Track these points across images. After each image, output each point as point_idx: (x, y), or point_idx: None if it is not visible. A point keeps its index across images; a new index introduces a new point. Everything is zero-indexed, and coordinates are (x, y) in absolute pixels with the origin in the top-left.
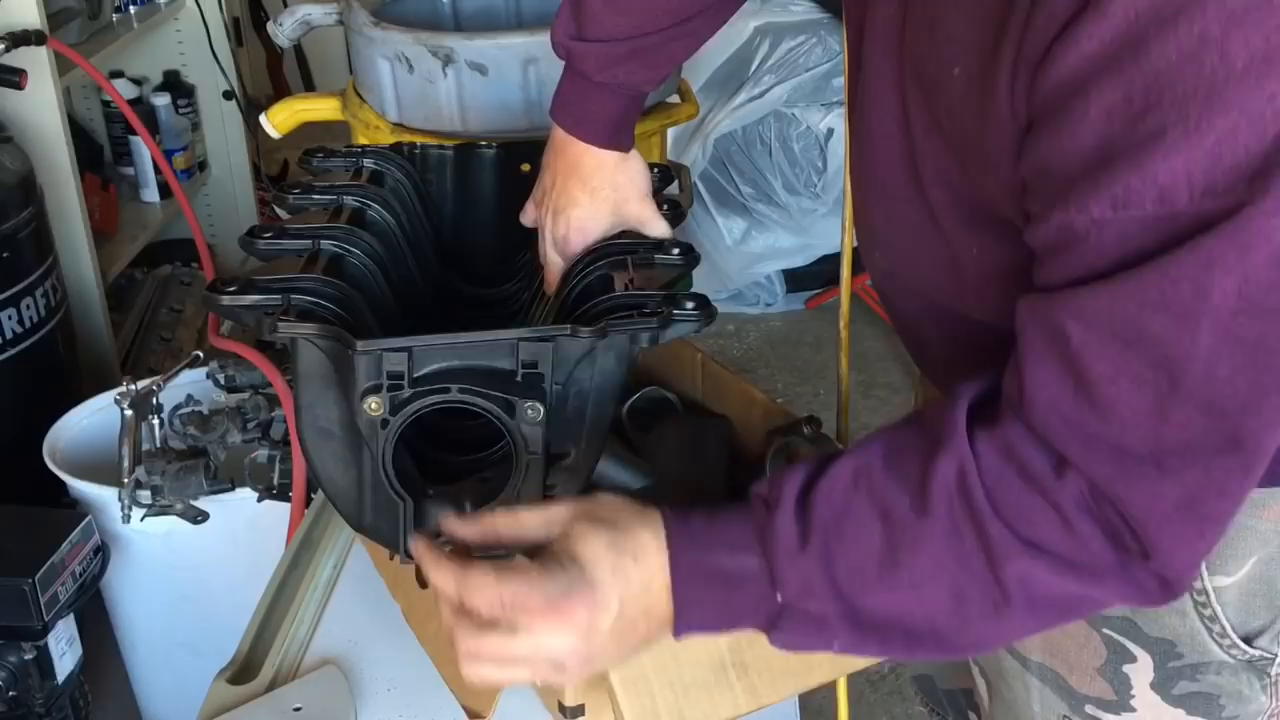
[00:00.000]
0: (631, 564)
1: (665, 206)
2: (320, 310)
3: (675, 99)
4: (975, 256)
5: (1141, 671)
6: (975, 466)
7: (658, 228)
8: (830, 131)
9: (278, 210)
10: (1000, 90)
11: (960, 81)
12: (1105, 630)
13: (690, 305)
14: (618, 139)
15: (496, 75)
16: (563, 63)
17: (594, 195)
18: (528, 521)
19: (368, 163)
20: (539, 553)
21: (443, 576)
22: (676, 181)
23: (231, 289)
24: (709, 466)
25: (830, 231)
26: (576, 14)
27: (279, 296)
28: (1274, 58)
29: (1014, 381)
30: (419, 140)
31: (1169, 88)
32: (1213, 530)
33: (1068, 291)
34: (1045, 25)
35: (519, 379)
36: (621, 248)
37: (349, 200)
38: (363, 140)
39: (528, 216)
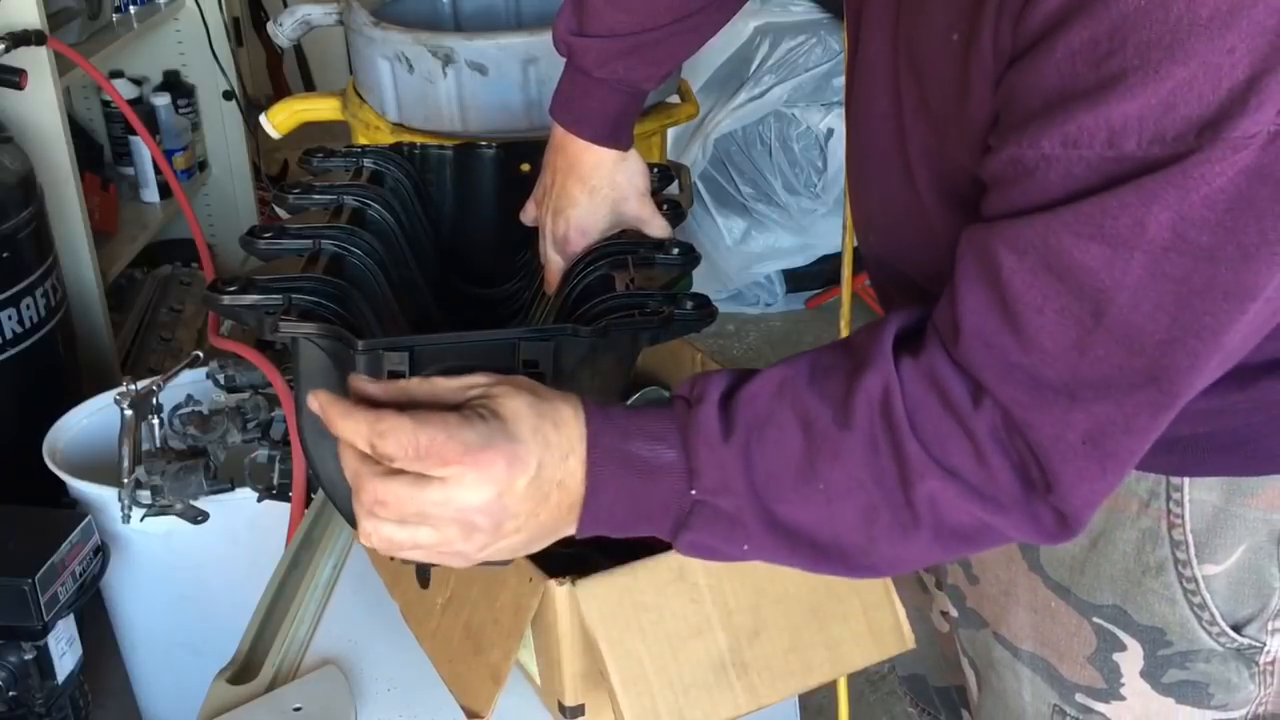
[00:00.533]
0: (552, 429)
1: (665, 206)
2: (321, 310)
3: (675, 99)
4: (952, 241)
5: (1131, 660)
6: (899, 386)
7: (657, 227)
8: (830, 131)
9: (278, 210)
10: (984, 45)
11: (954, 47)
12: (1095, 619)
13: (691, 305)
14: (617, 137)
15: (496, 75)
16: (563, 62)
17: (593, 195)
18: (443, 385)
19: (368, 163)
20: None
21: (352, 423)
22: (676, 181)
23: (232, 289)
24: None
25: (830, 231)
26: (578, 9)
27: (280, 296)
28: (1238, 10)
29: (945, 308)
30: (419, 140)
31: (1134, 32)
32: (1115, 469)
33: (1006, 221)
34: None
35: None
36: (622, 247)
37: (349, 200)
38: (363, 140)
39: (528, 215)
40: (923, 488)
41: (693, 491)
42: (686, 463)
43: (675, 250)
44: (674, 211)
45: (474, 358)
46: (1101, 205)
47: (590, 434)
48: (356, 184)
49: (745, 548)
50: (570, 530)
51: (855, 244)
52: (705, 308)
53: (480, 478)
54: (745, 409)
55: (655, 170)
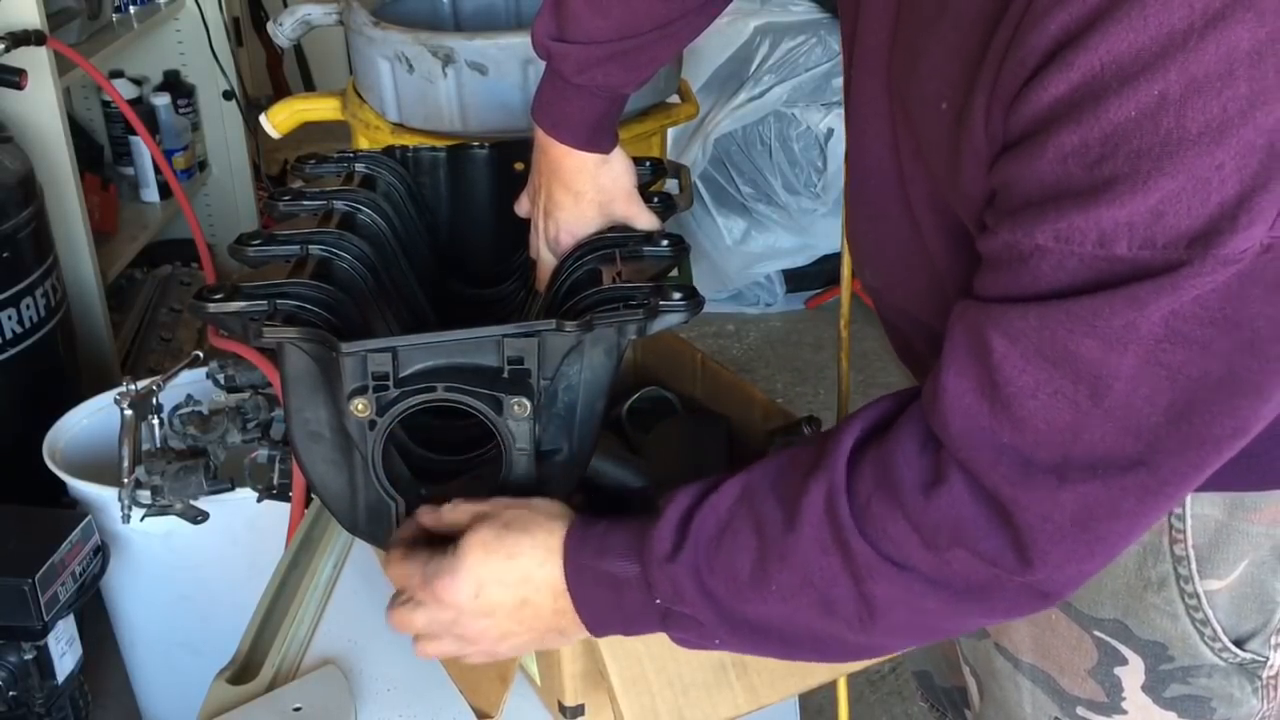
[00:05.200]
0: (504, 560)
1: (656, 200)
2: (306, 314)
3: (675, 99)
4: (958, 280)
5: (1133, 674)
6: (845, 488)
7: (646, 221)
8: (830, 131)
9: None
10: (976, 124)
11: (943, 116)
12: (1096, 632)
13: (677, 296)
14: (597, 141)
15: (496, 75)
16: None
17: (579, 199)
18: (446, 517)
19: (359, 167)
20: None
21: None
22: (676, 181)
23: (218, 296)
24: (709, 467)
25: (830, 231)
26: (558, 14)
27: (265, 302)
28: (1228, 128)
29: (932, 384)
30: (419, 140)
31: (1125, 141)
32: (1102, 551)
33: (999, 307)
34: (1017, 70)
35: (505, 375)
36: (610, 241)
37: (339, 204)
38: (363, 140)
39: (522, 207)
40: (876, 586)
41: (656, 601)
42: (644, 577)
43: (664, 242)
44: (664, 204)
45: (459, 356)
46: (1094, 307)
47: (566, 555)
48: (347, 189)
49: (717, 642)
50: (583, 633)
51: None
52: (692, 297)
53: (433, 601)
54: (704, 521)
55: (647, 164)
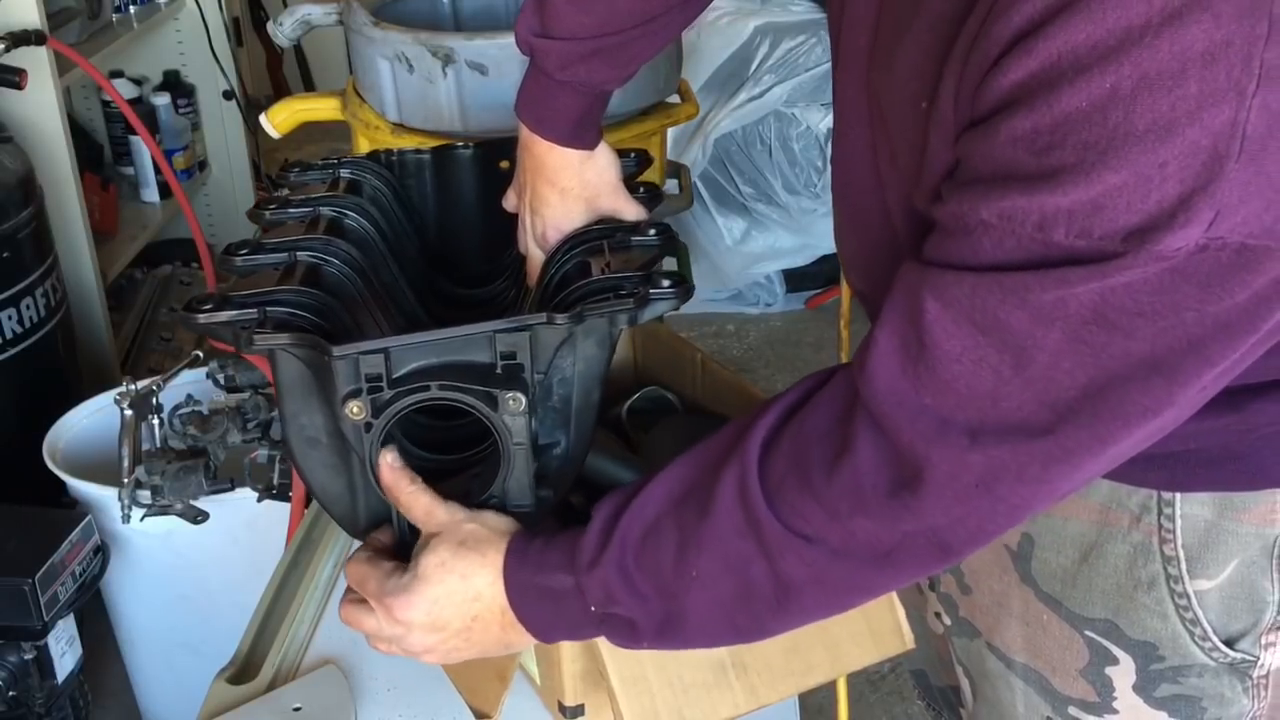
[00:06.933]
0: (458, 580)
1: (641, 190)
2: (297, 320)
3: (675, 99)
4: None
5: (1123, 674)
6: (757, 470)
7: (632, 213)
8: (830, 132)
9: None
10: (944, 107)
11: (918, 116)
12: (1087, 632)
13: (666, 283)
14: (581, 137)
15: (496, 75)
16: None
17: (564, 195)
18: (410, 509)
19: (344, 173)
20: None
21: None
22: (676, 181)
23: (208, 306)
24: None
25: (830, 231)
26: (540, 10)
27: (255, 310)
28: (1174, 127)
29: (865, 342)
30: (419, 140)
31: (1074, 131)
32: (1004, 514)
33: (937, 271)
34: (981, 61)
35: (499, 371)
36: (598, 233)
37: (325, 210)
38: (363, 140)
39: (509, 203)
40: (787, 561)
41: (591, 608)
42: (578, 585)
43: (652, 231)
44: (649, 195)
45: (452, 354)
46: (1025, 281)
47: (506, 573)
48: (333, 194)
49: (645, 644)
50: (528, 641)
51: None
52: (681, 284)
53: (386, 618)
54: (629, 522)
55: (631, 155)
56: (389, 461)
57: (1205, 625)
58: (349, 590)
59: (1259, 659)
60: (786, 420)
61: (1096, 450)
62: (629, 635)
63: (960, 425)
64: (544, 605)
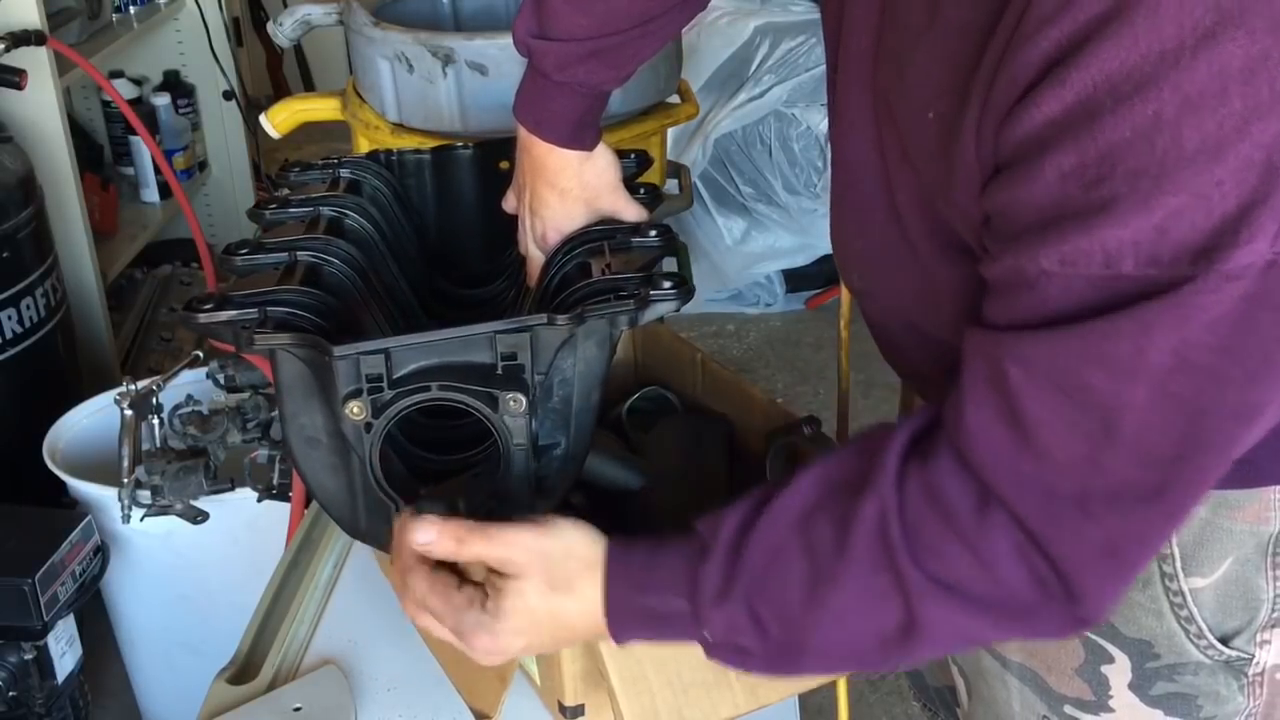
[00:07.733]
0: (547, 617)
1: (641, 191)
2: (297, 320)
3: (675, 99)
4: (948, 281)
5: (1119, 672)
6: (897, 508)
7: (632, 214)
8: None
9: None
10: (966, 138)
11: (931, 125)
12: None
13: (667, 284)
14: (579, 138)
15: (496, 75)
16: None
17: (564, 196)
18: (468, 551)
19: (344, 173)
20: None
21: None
22: (676, 181)
23: (208, 306)
24: (709, 466)
25: None
26: (538, 11)
27: (255, 310)
28: (1224, 146)
29: (954, 413)
30: (419, 141)
31: (1121, 161)
32: (1129, 576)
33: (1012, 334)
34: (1008, 88)
35: (499, 372)
36: (598, 234)
37: (325, 210)
38: (363, 140)
39: (509, 203)
40: (926, 608)
41: (705, 634)
42: (694, 613)
43: (652, 232)
44: (649, 195)
45: (452, 354)
46: (1102, 331)
47: (607, 592)
48: (333, 194)
49: (757, 671)
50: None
51: None
52: (682, 285)
53: (469, 649)
54: (754, 551)
55: (630, 156)
56: (429, 528)
57: (1200, 623)
58: (405, 596)
59: (1254, 656)
60: (912, 454)
61: (1208, 484)
62: (738, 660)
63: (1066, 494)
64: (648, 626)
